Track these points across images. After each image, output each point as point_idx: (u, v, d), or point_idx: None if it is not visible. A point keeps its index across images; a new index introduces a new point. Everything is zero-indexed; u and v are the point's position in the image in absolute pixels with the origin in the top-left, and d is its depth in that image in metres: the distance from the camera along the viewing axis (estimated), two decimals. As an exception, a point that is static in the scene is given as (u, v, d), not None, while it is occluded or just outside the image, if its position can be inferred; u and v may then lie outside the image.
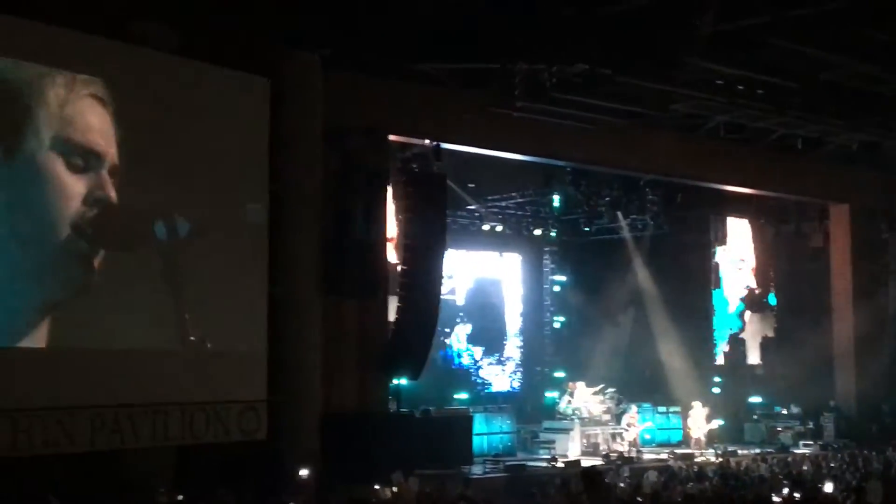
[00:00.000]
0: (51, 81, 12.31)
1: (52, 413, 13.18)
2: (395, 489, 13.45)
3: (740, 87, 20.12)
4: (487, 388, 27.42)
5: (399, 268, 18.75)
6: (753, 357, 28.24)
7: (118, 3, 14.53)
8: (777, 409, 26.15)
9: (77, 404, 13.51)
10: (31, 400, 13.00)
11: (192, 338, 14.85)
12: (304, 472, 14.13)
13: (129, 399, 14.10)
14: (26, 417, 12.91)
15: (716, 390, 25.78)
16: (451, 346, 26.96)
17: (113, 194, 13.38)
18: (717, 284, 27.74)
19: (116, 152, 13.47)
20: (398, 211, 19.31)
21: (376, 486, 14.13)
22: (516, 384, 27.98)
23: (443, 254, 19.36)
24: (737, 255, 28.17)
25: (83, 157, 12.90)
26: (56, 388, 13.30)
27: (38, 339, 13.28)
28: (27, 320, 12.91)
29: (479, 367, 27.68)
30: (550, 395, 23.69)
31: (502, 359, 28.24)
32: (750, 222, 28.51)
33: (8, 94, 11.98)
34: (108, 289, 13.86)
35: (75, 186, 12.85)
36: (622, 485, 15.44)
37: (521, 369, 28.13)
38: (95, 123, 12.92)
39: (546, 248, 28.22)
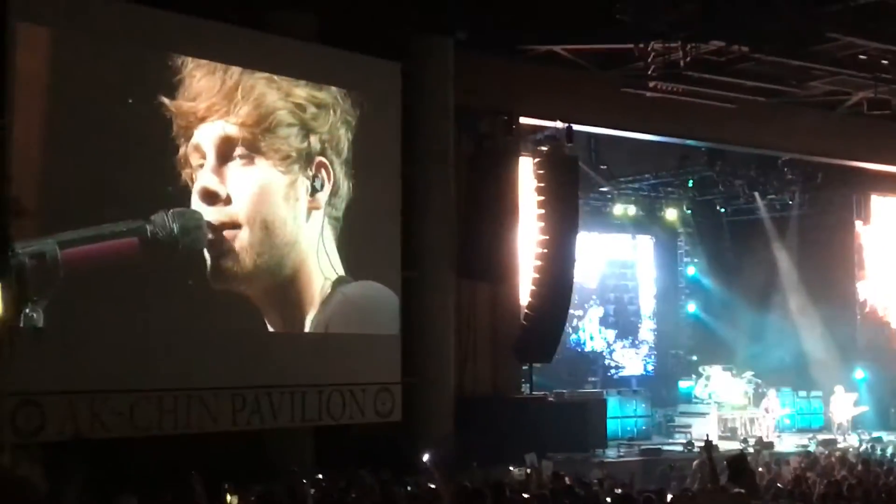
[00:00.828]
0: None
1: (195, 393, 13.63)
2: (528, 471, 13.47)
3: (884, 62, 19.48)
4: (619, 372, 27.22)
5: (532, 251, 18.72)
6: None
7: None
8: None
9: (219, 385, 13.92)
10: (176, 381, 13.44)
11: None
12: (434, 454, 14.27)
13: (268, 381, 14.47)
14: (171, 397, 13.38)
15: (859, 374, 25.05)
16: (583, 330, 26.84)
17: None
18: (862, 266, 26.87)
19: None
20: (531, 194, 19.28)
21: (510, 468, 14.20)
22: (650, 368, 27.69)
23: (575, 237, 19.26)
24: (882, 236, 27.22)
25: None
26: (199, 369, 13.73)
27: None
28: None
29: (612, 351, 27.49)
30: (686, 384, 23.38)
31: (636, 342, 27.99)
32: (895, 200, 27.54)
33: None
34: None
35: None
36: (761, 469, 15.19)
37: (655, 353, 27.81)
38: None
39: (680, 230, 27.80)
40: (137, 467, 12.66)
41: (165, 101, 13.54)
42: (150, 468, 12.68)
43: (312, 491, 10.96)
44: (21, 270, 11.80)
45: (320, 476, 12.54)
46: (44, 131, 12.60)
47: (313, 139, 15.25)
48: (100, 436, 12.56)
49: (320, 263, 15.39)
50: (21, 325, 11.75)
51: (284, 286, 15.03)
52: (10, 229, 11.55)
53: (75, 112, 12.77)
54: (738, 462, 8.28)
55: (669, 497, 10.08)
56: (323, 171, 15.40)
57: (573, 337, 26.09)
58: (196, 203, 13.89)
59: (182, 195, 13.78)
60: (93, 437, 12.44)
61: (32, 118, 12.46)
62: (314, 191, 15.26)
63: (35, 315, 12.11)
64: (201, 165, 13.96)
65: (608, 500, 10.17)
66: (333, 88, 15.53)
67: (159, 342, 13.43)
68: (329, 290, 15.43)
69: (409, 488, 11.65)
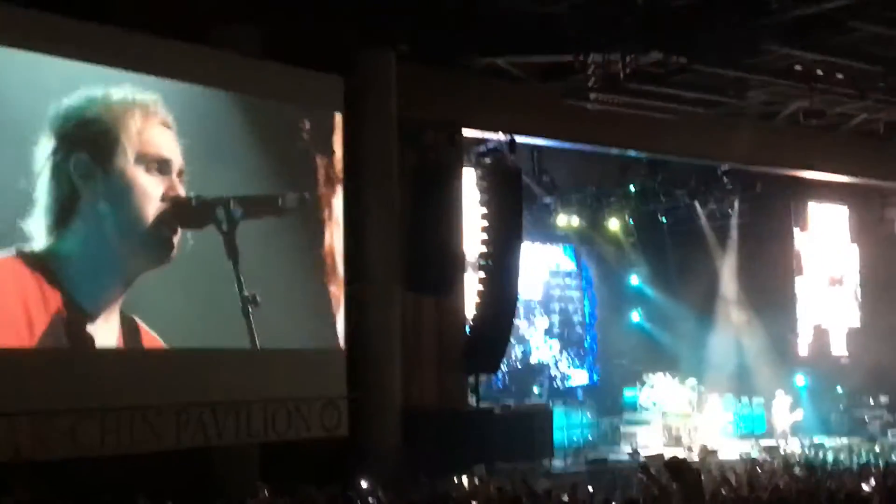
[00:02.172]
0: (131, 115, 14.11)
1: (138, 412, 13.45)
2: (476, 482, 13.48)
3: (820, 73, 19.82)
4: (566, 382, 27.34)
5: (476, 263, 18.77)
6: (838, 347, 27.75)
7: (198, 8, 14.84)
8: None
9: (162, 403, 13.76)
10: (118, 399, 13.27)
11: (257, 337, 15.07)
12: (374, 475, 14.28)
13: (212, 397, 14.33)
14: (113, 417, 13.19)
15: (800, 380, 25.40)
16: (528, 341, 26.93)
17: (182, 192, 14.45)
18: (801, 272, 27.26)
19: (182, 158, 14.46)
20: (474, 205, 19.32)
21: (456, 480, 14.19)
22: (595, 377, 27.83)
23: (519, 248, 19.35)
24: (819, 242, 27.66)
25: (158, 165, 14.32)
26: (141, 387, 13.55)
27: (117, 338, 13.59)
28: (113, 295, 13.78)
29: (557, 361, 27.61)
30: (630, 393, 23.54)
31: (580, 352, 28.14)
32: (832, 208, 28.02)
33: (104, 129, 13.88)
34: (187, 290, 14.32)
35: (155, 188, 14.24)
36: (703, 477, 15.31)
37: (600, 363, 27.98)
38: (163, 141, 14.45)
39: (623, 240, 28.00)
40: (81, 488, 12.47)
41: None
42: (94, 488, 12.52)
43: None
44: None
45: (266, 494, 12.45)
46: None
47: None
48: (42, 457, 12.37)
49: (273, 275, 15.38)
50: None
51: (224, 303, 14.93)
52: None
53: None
54: (674, 464, 8.29)
55: None
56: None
57: (519, 347, 26.17)
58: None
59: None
60: (35, 458, 12.26)
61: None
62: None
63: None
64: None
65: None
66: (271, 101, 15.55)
67: (101, 360, 13.25)
68: (285, 305, 15.38)
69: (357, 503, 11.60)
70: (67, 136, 13.43)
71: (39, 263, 12.87)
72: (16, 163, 12.81)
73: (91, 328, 13.34)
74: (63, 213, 13.26)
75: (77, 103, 13.59)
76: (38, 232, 12.90)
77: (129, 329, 13.72)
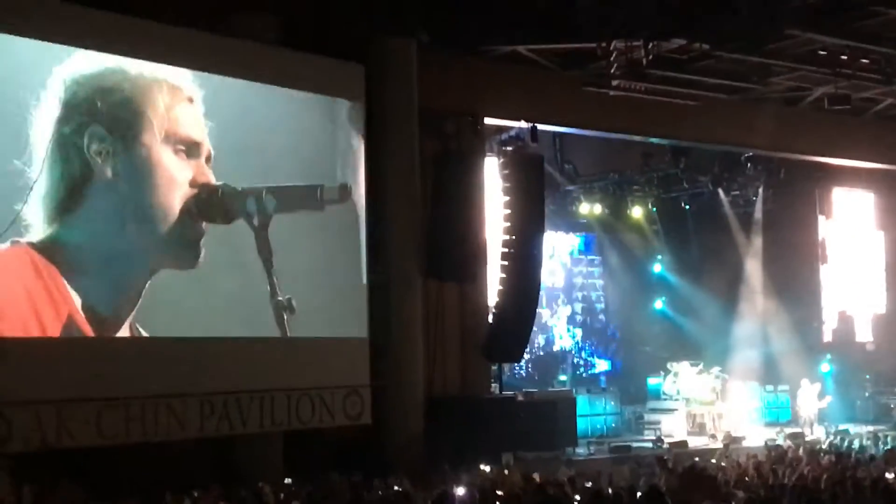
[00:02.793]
0: (158, 90, 13.62)
1: (162, 400, 13.51)
2: (506, 471, 13.51)
3: (843, 58, 19.66)
4: (590, 370, 27.31)
5: (499, 251, 18.74)
6: (863, 334, 27.57)
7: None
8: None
9: (187, 392, 13.81)
10: (143, 388, 13.32)
11: (287, 323, 15.05)
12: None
13: (236, 386, 14.38)
14: (137, 405, 13.25)
15: (825, 367, 25.28)
16: (552, 328, 26.91)
17: (211, 179, 14.18)
18: (825, 259, 27.08)
19: (209, 142, 14.15)
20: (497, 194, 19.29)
21: (481, 468, 14.22)
22: (619, 365, 27.79)
23: (542, 236, 19.30)
24: (844, 229, 27.46)
25: (186, 148, 13.90)
26: (166, 376, 13.61)
27: (146, 325, 13.61)
28: (133, 293, 13.43)
29: (581, 349, 27.58)
30: (654, 381, 23.48)
31: (604, 340, 28.10)
32: (857, 194, 27.81)
33: (125, 100, 13.30)
34: (213, 280, 14.29)
35: (182, 172, 13.90)
36: (724, 464, 15.30)
37: (623, 350, 27.93)
38: (193, 121, 14.05)
39: (646, 228, 27.90)
40: (106, 476, 12.54)
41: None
42: (118, 477, 12.59)
43: (282, 495, 10.94)
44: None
45: (288, 480, 12.51)
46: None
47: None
48: (67, 445, 12.45)
49: (292, 266, 15.26)
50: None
51: (249, 292, 14.94)
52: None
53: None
54: (692, 476, 8.20)
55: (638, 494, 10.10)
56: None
57: (542, 336, 26.16)
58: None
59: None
60: (60, 446, 12.34)
61: None
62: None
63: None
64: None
65: (577, 498, 10.17)
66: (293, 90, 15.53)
67: (126, 349, 13.32)
68: (307, 294, 15.30)
69: (379, 492, 11.62)
70: (80, 104, 12.81)
71: (47, 254, 12.43)
72: (9, 130, 12.23)
73: (104, 332, 13.19)
74: (71, 195, 12.68)
75: (92, 70, 13.00)
76: (37, 216, 12.37)
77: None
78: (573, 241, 27.41)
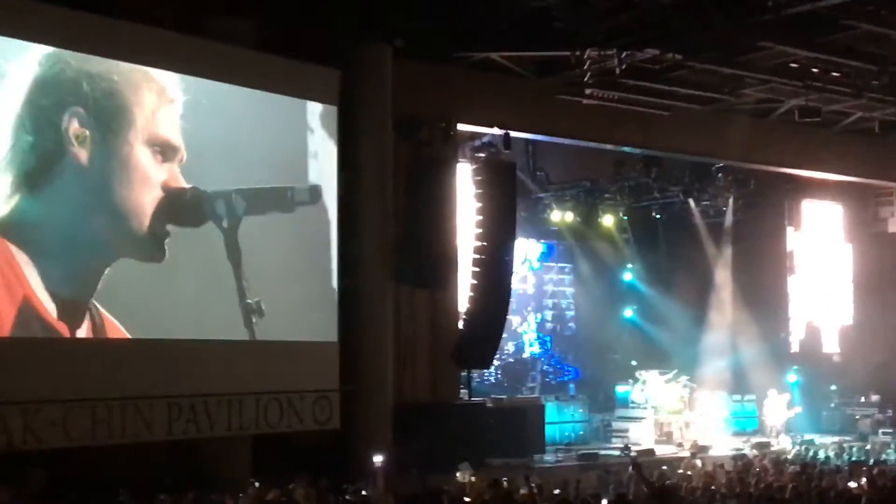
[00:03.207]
0: (148, 89, 13.74)
1: (130, 402, 13.41)
2: (472, 479, 13.51)
3: (815, 70, 19.81)
4: (559, 378, 27.34)
5: (471, 257, 18.74)
6: (830, 345, 27.78)
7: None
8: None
9: (154, 394, 13.72)
10: (110, 390, 13.23)
11: (255, 325, 15.04)
12: (377, 460, 14.24)
13: (204, 388, 14.30)
14: (104, 407, 13.16)
15: (792, 378, 25.45)
16: (521, 336, 26.93)
17: (182, 182, 14.22)
18: (793, 270, 27.28)
19: (184, 146, 14.18)
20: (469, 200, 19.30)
21: (457, 475, 14.21)
22: (587, 373, 27.83)
23: (513, 243, 19.34)
24: (813, 241, 27.67)
25: (163, 151, 13.96)
26: (133, 378, 13.52)
27: (115, 328, 13.51)
28: (93, 278, 13.37)
29: (551, 356, 27.61)
30: (622, 389, 23.56)
31: (573, 347, 28.15)
32: (826, 206, 28.03)
33: (113, 92, 13.34)
34: (179, 281, 14.24)
35: (156, 174, 13.95)
36: (689, 472, 15.39)
37: (592, 358, 27.97)
38: (174, 127, 14.13)
39: (617, 236, 27.97)
40: (70, 479, 12.44)
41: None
42: (83, 480, 12.49)
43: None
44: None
45: (256, 484, 12.46)
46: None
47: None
48: (32, 447, 12.35)
49: (263, 270, 15.26)
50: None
51: (219, 296, 14.88)
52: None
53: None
54: (662, 493, 8.23)
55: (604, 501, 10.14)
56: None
57: (511, 342, 26.17)
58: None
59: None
60: (25, 448, 12.24)
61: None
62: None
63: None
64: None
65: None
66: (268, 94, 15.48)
67: (92, 350, 13.22)
68: (277, 299, 15.31)
69: (347, 497, 11.61)
70: (64, 82, 12.79)
71: (3, 230, 12.24)
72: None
73: (64, 315, 13.00)
74: (39, 170, 12.52)
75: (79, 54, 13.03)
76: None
77: (95, 321, 13.41)
78: (537, 248, 27.41)
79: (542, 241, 27.29)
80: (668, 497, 8.03)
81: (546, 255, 27.63)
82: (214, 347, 14.60)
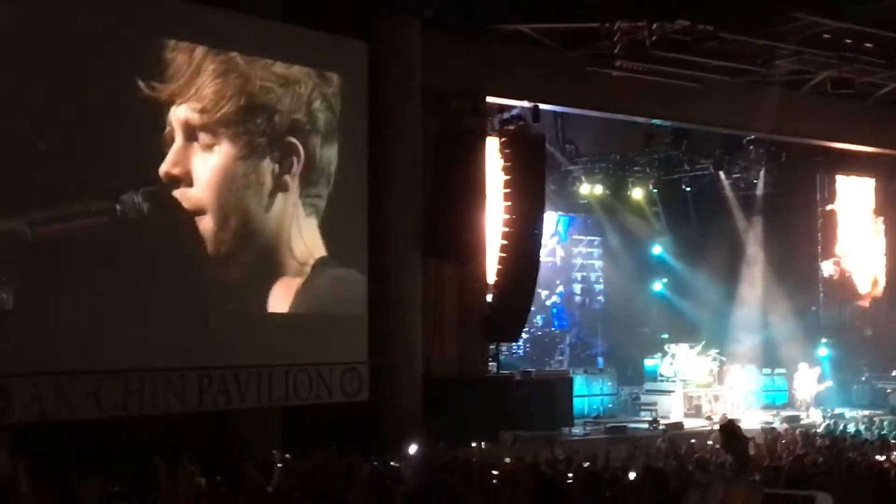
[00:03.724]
0: None
1: (161, 374, 13.56)
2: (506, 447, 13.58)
3: (848, 41, 19.63)
4: (588, 351, 27.36)
5: (499, 231, 18.76)
6: (862, 319, 27.61)
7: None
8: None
9: (185, 365, 13.87)
10: (142, 361, 13.37)
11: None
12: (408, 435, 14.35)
13: (234, 361, 14.43)
14: (136, 378, 13.31)
15: (823, 352, 25.37)
16: (550, 309, 26.93)
17: None
18: (825, 244, 27.10)
19: None
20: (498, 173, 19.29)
21: (473, 445, 14.30)
22: (617, 346, 27.81)
23: (542, 216, 19.34)
24: (845, 214, 27.48)
25: None
26: (165, 349, 13.65)
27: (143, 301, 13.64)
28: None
29: (580, 329, 27.62)
30: (651, 362, 23.54)
31: (603, 320, 28.13)
32: (858, 180, 27.80)
33: None
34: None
35: None
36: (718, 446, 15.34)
37: (622, 331, 27.94)
38: None
39: (646, 210, 27.88)
40: (103, 449, 12.58)
41: (140, 83, 13.41)
42: (116, 450, 12.62)
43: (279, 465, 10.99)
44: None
45: (287, 455, 12.55)
46: (13, 110, 12.42)
47: (278, 119, 15.04)
48: (65, 417, 12.49)
49: (296, 246, 15.30)
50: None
51: (251, 270, 14.97)
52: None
53: (46, 91, 12.58)
54: (729, 428, 8.20)
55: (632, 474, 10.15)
56: (292, 152, 15.23)
57: (540, 316, 26.18)
58: (161, 185, 13.76)
59: (154, 177, 13.65)
60: (58, 418, 12.38)
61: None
62: (282, 173, 15.06)
63: (4, 296, 12.00)
64: (170, 149, 13.86)
65: (570, 475, 10.24)
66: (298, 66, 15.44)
67: (126, 322, 13.33)
68: (308, 274, 15.40)
69: (373, 467, 11.67)
70: None
71: None
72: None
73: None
74: None
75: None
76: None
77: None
78: (576, 221, 27.34)
79: (566, 214, 27.19)
80: (733, 433, 7.97)
81: (566, 230, 27.55)
82: (246, 319, 14.69)
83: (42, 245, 12.41)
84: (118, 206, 13.19)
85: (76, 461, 10.18)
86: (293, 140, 15.28)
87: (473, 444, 14.44)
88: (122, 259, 13.26)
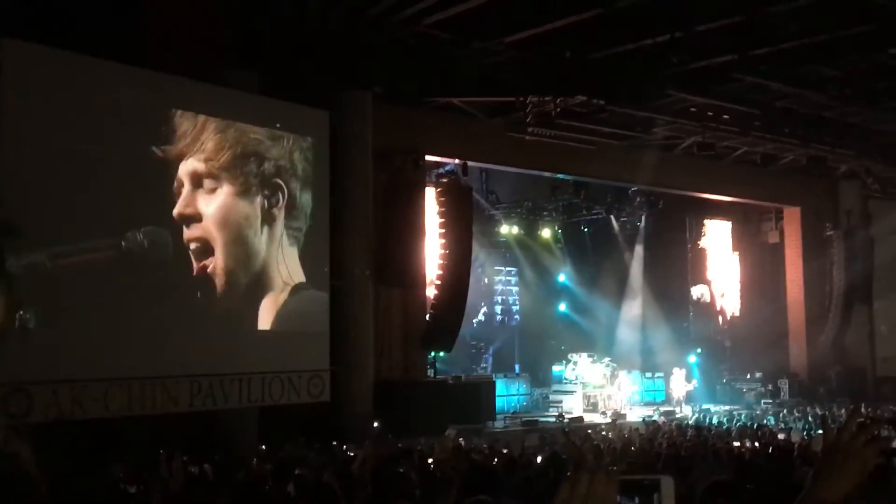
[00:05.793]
0: None
1: (159, 381, 13.37)
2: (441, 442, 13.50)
3: (710, 114, 20.06)
4: (507, 359, 27.28)
5: (436, 263, 18.78)
6: (723, 333, 28.03)
7: (212, 53, 14.72)
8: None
9: (179, 374, 13.68)
10: (143, 371, 13.17)
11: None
12: (375, 426, 14.24)
13: (220, 370, 14.25)
14: (138, 385, 13.11)
15: (692, 359, 25.69)
16: (476, 324, 26.88)
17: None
18: (694, 274, 27.54)
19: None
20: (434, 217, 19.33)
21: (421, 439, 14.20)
22: (530, 355, 27.79)
23: (470, 250, 19.39)
24: (709, 250, 27.99)
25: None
26: (163, 361, 13.45)
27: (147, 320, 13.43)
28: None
29: (501, 342, 27.55)
30: (557, 368, 23.62)
31: (519, 334, 28.14)
32: (719, 223, 28.34)
33: None
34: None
35: None
36: (611, 435, 15.45)
37: (534, 343, 27.96)
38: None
39: (553, 246, 28.05)
40: (110, 443, 12.32)
41: (154, 148, 13.45)
42: (121, 443, 12.37)
43: (255, 460, 10.85)
44: (15, 281, 11.39)
45: (263, 447, 12.41)
46: (37, 162, 12.21)
47: (267, 165, 15.14)
48: (78, 418, 12.23)
49: (280, 271, 15.26)
50: (16, 325, 11.37)
51: (248, 290, 14.89)
52: (4, 245, 11.15)
53: (77, 156, 12.49)
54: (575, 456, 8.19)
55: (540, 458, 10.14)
56: (278, 191, 15.31)
57: (469, 330, 26.11)
58: (175, 224, 13.80)
59: (157, 217, 13.57)
60: (72, 419, 12.13)
61: (24, 149, 12.06)
62: (270, 207, 15.13)
63: (29, 316, 11.74)
64: (181, 195, 13.84)
65: (494, 460, 10.23)
66: (270, 131, 15.42)
67: (130, 338, 13.14)
68: (286, 296, 15.31)
69: (334, 454, 11.57)
70: None
71: None
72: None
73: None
74: None
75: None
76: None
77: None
78: (498, 255, 27.35)
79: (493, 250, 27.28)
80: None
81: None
82: (229, 334, 14.51)
83: (60, 274, 12.19)
84: (123, 243, 13.04)
85: (88, 454, 9.97)
86: (279, 181, 15.32)
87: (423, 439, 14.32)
88: (124, 285, 13.05)
